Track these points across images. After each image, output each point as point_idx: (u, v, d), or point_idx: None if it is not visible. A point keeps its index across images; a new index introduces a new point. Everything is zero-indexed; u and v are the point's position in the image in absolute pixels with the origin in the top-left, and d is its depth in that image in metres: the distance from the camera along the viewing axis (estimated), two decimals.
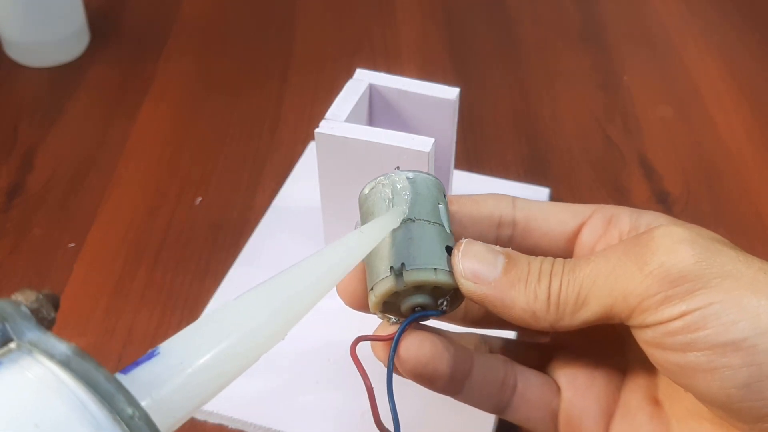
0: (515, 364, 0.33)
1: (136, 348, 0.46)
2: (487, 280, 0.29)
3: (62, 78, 0.67)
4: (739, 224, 0.55)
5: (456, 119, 0.46)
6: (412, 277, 0.29)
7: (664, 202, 0.56)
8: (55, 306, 0.23)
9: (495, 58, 0.70)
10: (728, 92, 0.66)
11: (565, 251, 0.33)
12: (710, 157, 0.60)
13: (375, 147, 0.42)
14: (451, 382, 0.31)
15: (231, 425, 0.42)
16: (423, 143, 0.41)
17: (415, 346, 0.30)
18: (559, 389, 0.33)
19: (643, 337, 0.28)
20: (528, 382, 0.33)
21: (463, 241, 0.30)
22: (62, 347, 0.21)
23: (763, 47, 0.71)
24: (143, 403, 0.21)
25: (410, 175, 0.31)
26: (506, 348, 0.35)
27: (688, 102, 0.65)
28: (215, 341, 0.24)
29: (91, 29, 0.70)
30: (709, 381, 0.26)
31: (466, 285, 0.29)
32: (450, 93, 0.45)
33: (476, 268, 0.29)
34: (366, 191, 0.32)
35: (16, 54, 0.68)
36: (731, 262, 0.27)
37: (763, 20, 0.74)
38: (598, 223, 0.32)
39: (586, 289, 0.28)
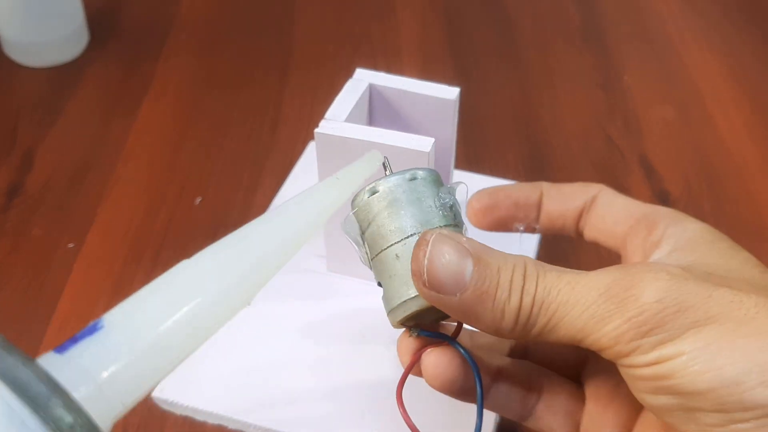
0: (543, 371, 0.32)
1: None
2: (453, 292, 0.26)
3: (62, 78, 0.67)
4: (739, 224, 0.54)
5: (456, 119, 0.46)
6: None
7: (664, 202, 0.56)
8: None
9: (495, 57, 0.70)
10: (729, 92, 0.66)
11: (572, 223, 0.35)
12: (711, 157, 0.60)
13: (375, 147, 0.42)
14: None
15: (231, 425, 0.42)
16: (423, 143, 0.41)
17: (444, 364, 0.29)
18: (585, 400, 0.32)
19: (618, 368, 0.27)
20: (555, 390, 0.32)
21: (430, 237, 0.27)
22: None
23: (764, 46, 0.71)
24: (84, 390, 0.17)
25: (408, 177, 0.29)
26: (541, 348, 0.34)
27: (689, 102, 0.65)
28: (170, 310, 0.20)
29: (90, 29, 0.70)
30: (685, 421, 0.26)
31: (429, 294, 0.27)
32: (450, 93, 0.45)
33: (442, 278, 0.26)
34: (364, 199, 0.30)
35: (15, 54, 0.68)
36: (719, 306, 0.26)
37: (763, 19, 0.74)
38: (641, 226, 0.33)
39: (558, 318, 0.27)
